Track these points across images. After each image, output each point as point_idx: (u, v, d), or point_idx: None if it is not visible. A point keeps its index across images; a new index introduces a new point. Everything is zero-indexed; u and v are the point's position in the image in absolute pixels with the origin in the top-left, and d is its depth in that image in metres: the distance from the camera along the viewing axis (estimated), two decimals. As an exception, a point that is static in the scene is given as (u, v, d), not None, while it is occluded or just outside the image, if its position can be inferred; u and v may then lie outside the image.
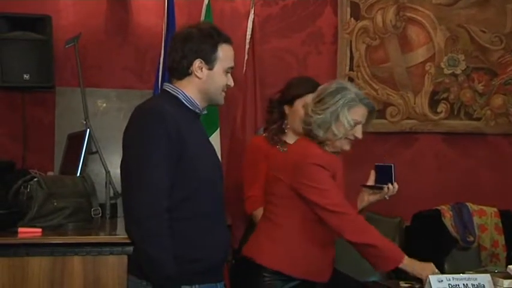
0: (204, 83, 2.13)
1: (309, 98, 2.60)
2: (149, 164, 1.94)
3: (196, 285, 2.05)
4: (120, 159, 2.03)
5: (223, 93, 2.19)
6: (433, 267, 2.35)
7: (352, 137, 2.44)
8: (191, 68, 2.11)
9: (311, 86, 2.76)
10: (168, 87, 2.17)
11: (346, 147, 2.45)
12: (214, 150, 2.22)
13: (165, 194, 1.95)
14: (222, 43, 2.14)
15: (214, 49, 2.12)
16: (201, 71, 2.11)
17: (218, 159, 2.25)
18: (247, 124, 3.58)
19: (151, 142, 1.95)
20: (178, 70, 2.13)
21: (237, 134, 3.61)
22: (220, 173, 2.19)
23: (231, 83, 2.19)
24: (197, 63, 2.11)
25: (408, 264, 2.34)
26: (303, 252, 2.41)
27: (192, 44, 2.11)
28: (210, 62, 2.12)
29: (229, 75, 2.18)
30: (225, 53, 2.14)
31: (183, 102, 2.12)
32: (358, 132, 2.43)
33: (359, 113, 2.42)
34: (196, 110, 2.15)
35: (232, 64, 2.18)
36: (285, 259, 2.39)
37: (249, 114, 3.59)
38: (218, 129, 3.55)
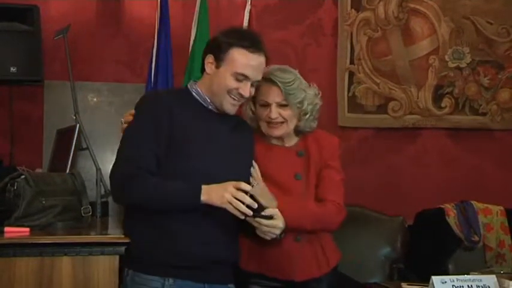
0: (210, 79, 2.19)
1: None
2: (126, 137, 2.16)
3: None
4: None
5: (232, 101, 2.17)
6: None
7: None
8: (205, 63, 2.20)
9: None
10: (189, 83, 2.27)
11: None
12: (239, 155, 2.22)
13: (134, 162, 2.09)
14: (240, 47, 2.14)
15: (227, 49, 2.14)
16: (210, 67, 2.18)
17: (242, 165, 2.24)
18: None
19: (136, 119, 2.15)
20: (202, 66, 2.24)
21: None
22: (233, 177, 2.08)
23: (244, 92, 2.16)
24: (208, 58, 2.18)
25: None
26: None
27: (213, 41, 2.21)
28: (218, 60, 2.16)
29: (242, 83, 2.15)
30: (237, 57, 2.14)
31: (196, 98, 2.21)
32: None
33: None
34: (209, 107, 2.21)
35: (243, 71, 2.14)
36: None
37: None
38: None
